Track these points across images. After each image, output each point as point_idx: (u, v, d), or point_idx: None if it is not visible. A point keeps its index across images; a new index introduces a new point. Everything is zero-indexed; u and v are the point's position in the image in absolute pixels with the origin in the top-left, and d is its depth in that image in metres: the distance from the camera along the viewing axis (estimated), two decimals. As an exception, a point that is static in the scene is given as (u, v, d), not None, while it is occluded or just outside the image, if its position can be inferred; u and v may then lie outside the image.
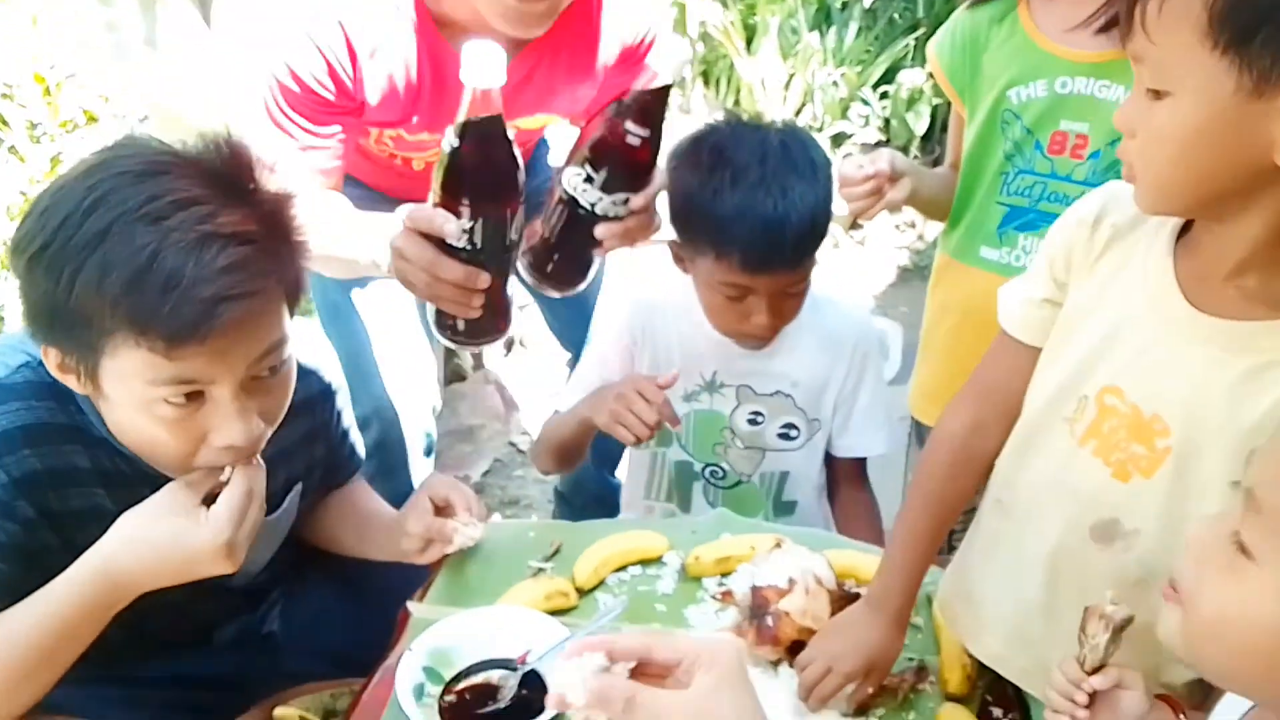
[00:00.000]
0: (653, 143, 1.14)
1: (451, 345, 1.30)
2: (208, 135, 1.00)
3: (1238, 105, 0.76)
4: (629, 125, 1.11)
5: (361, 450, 1.45)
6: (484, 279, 1.14)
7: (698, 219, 1.32)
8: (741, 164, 1.30)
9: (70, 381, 1.00)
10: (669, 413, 1.40)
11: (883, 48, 4.09)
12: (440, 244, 1.12)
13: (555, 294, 1.34)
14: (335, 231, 1.28)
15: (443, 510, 1.29)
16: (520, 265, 1.28)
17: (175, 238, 0.91)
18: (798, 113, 4.10)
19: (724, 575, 1.30)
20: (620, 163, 1.15)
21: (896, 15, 4.26)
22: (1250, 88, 0.75)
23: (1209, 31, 0.75)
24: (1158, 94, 0.81)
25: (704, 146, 1.34)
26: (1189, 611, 0.69)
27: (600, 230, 1.19)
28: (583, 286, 1.32)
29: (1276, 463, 0.67)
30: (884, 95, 4.02)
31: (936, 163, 4.14)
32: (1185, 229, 0.91)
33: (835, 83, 4.02)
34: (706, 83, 4.37)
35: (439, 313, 1.23)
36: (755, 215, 1.28)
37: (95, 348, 0.95)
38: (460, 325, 1.24)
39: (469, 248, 1.12)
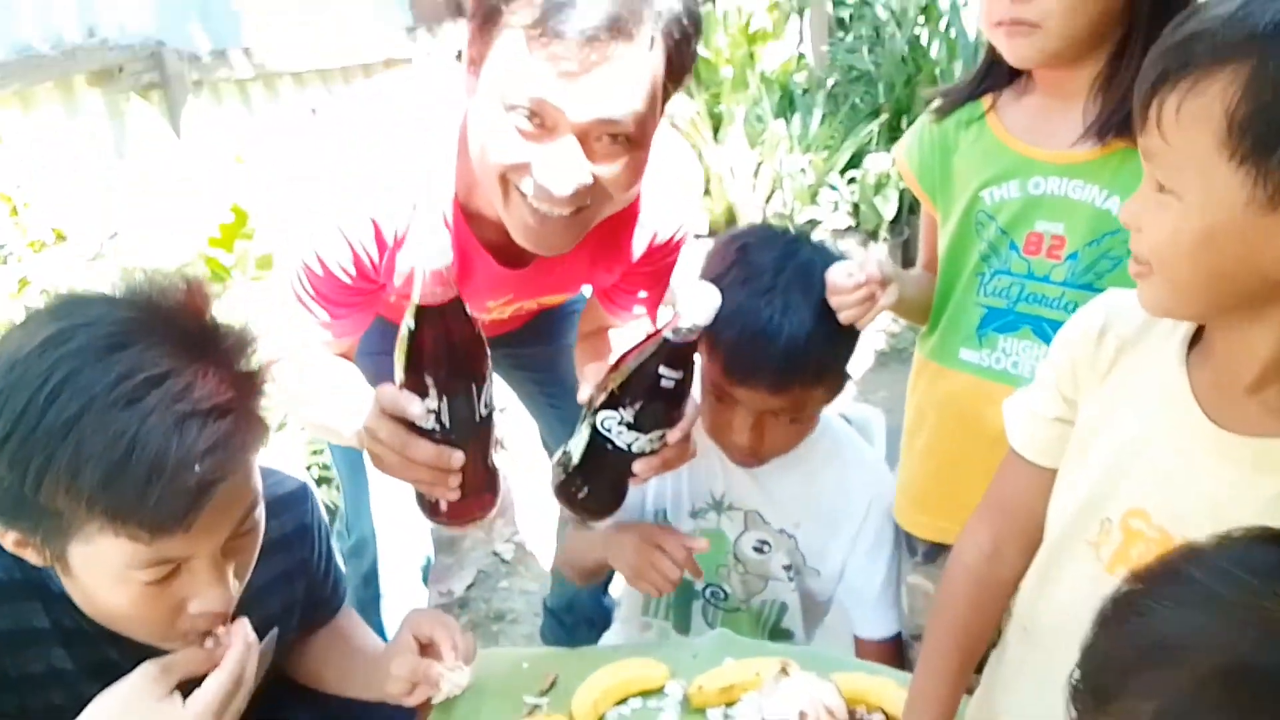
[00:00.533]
0: (686, 381, 1.13)
1: (437, 526, 1.26)
2: (161, 277, 0.93)
3: (1249, 217, 0.74)
4: (663, 370, 1.10)
5: (345, 583, 1.39)
6: (457, 458, 1.10)
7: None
8: (758, 268, 1.28)
9: (28, 555, 0.94)
10: (693, 567, 1.36)
11: (847, 133, 4.18)
12: (411, 424, 1.09)
13: (583, 520, 1.31)
14: (327, 403, 1.27)
15: (428, 648, 1.22)
16: (551, 481, 1.26)
17: (152, 421, 0.84)
18: (768, 200, 4.16)
19: (729, 705, 1.23)
20: (656, 405, 1.13)
21: (858, 100, 4.36)
22: (1263, 201, 0.73)
23: (1227, 140, 0.73)
24: (1163, 187, 0.79)
25: (735, 244, 1.33)
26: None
27: (638, 466, 1.17)
28: (612, 517, 1.29)
29: None
30: (851, 180, 4.08)
31: (907, 243, 4.21)
32: (1195, 337, 0.88)
33: (803, 169, 4.09)
34: (676, 172, 4.44)
35: (419, 494, 1.20)
36: (748, 321, 1.25)
37: (64, 534, 0.89)
38: (442, 505, 1.19)
39: (438, 428, 1.09)
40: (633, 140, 1.10)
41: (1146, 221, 0.81)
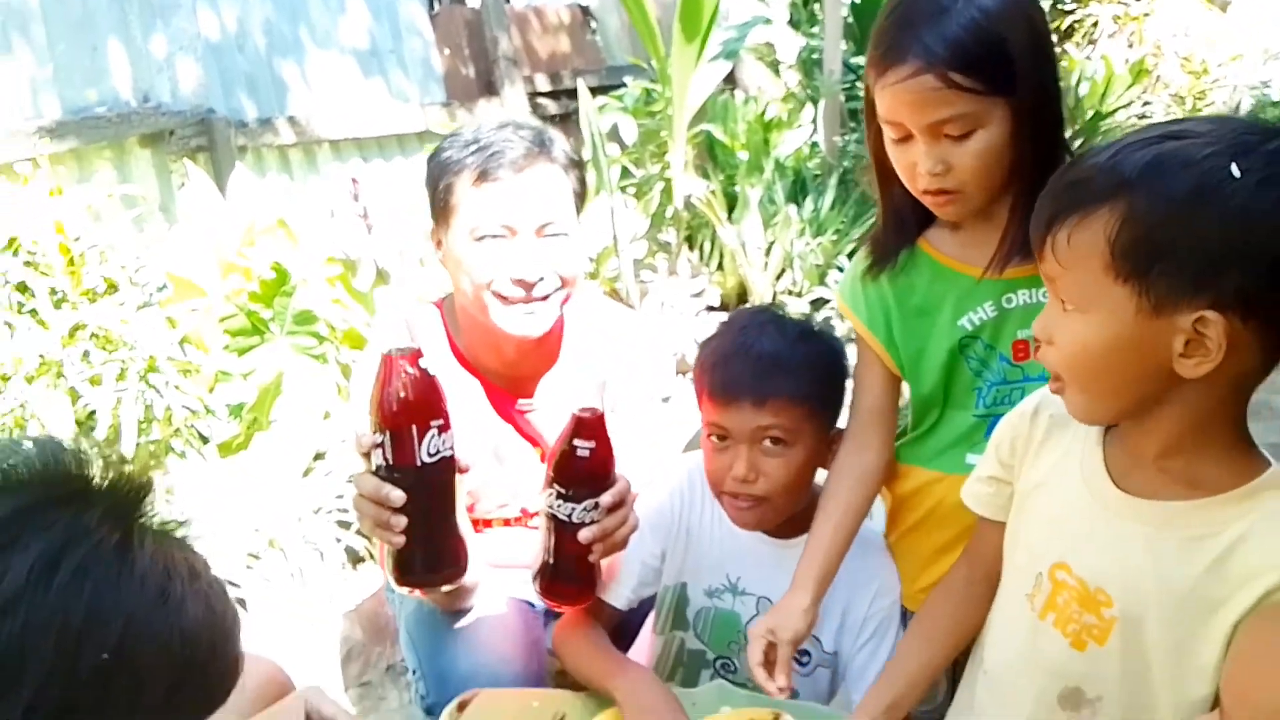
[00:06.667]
0: (600, 451, 1.29)
1: (401, 591, 1.35)
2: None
3: (1139, 324, 0.89)
4: (576, 442, 1.28)
5: None
6: (396, 496, 1.21)
7: (697, 368, 1.47)
8: (740, 325, 1.47)
9: None
10: None
11: (856, 219, 4.36)
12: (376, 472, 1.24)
13: (563, 607, 1.46)
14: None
15: None
16: (534, 589, 1.40)
17: (191, 610, 0.77)
18: (779, 277, 4.33)
19: (723, 750, 1.32)
20: (579, 474, 1.30)
21: (867, 188, 4.55)
22: (1148, 310, 0.88)
23: (1111, 264, 0.89)
24: (1066, 305, 0.94)
25: (726, 321, 1.53)
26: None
27: (583, 534, 1.32)
28: (587, 600, 1.43)
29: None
30: (859, 263, 4.25)
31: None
32: None
33: (812, 250, 4.27)
34: (691, 246, 4.62)
35: (389, 559, 1.31)
36: (727, 349, 1.43)
37: None
38: (393, 570, 1.30)
39: (382, 464, 1.22)
40: (568, 234, 1.53)
41: (1058, 334, 0.96)
